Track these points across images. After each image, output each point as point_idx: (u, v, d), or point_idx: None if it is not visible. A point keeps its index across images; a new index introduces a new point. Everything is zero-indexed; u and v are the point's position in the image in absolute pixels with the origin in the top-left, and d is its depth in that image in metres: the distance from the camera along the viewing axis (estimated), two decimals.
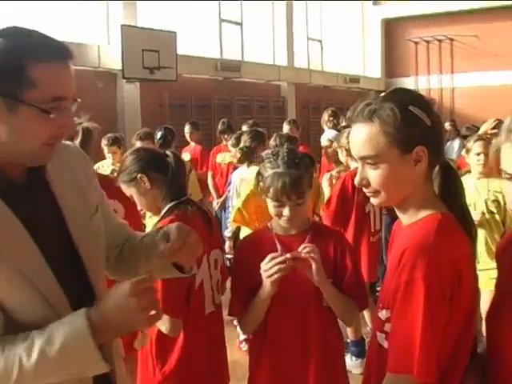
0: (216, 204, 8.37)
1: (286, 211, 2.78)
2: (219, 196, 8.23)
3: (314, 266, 2.62)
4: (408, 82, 22.13)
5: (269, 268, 2.61)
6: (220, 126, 9.33)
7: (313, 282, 2.68)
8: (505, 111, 6.61)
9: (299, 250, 2.67)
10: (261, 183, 2.86)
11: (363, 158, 1.86)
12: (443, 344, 1.72)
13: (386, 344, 1.84)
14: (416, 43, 22.09)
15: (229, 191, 6.73)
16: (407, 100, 1.84)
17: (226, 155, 8.32)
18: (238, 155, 6.40)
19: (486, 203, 4.86)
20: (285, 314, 2.79)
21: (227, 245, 5.93)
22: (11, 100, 1.55)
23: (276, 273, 2.61)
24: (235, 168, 6.89)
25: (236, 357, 4.85)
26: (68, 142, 2.01)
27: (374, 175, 1.83)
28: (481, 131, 6.65)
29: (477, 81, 20.37)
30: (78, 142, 3.86)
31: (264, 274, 2.63)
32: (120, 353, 2.04)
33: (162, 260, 1.89)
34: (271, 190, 2.77)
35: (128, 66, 11.44)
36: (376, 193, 1.86)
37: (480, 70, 20.47)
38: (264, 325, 2.81)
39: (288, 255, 2.63)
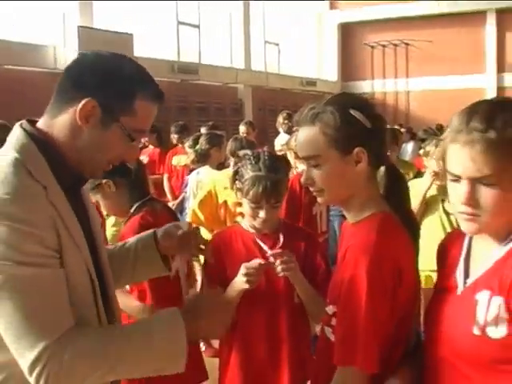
0: (172, 206, 8.37)
1: (262, 213, 2.82)
2: (175, 198, 8.22)
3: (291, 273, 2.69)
4: (364, 86, 22.41)
5: (252, 269, 2.64)
6: (173, 129, 9.34)
7: (284, 278, 2.73)
8: None
9: (273, 252, 2.73)
10: (238, 183, 2.90)
11: (306, 159, 1.94)
12: (385, 336, 1.79)
13: (332, 337, 1.91)
14: (372, 47, 22.38)
15: (185, 193, 6.75)
16: (348, 103, 1.90)
17: (181, 157, 8.32)
18: (192, 157, 6.43)
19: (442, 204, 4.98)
20: (255, 310, 2.81)
21: None
22: (109, 117, 1.73)
23: (258, 276, 2.65)
24: (191, 170, 6.93)
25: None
26: None
27: (317, 175, 1.91)
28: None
29: (431, 85, 20.74)
30: None
31: (244, 271, 2.65)
32: None
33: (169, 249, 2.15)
34: (251, 192, 2.80)
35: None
36: (320, 192, 1.94)
37: (434, 75, 20.84)
38: (234, 321, 2.83)
39: (271, 259, 2.70)
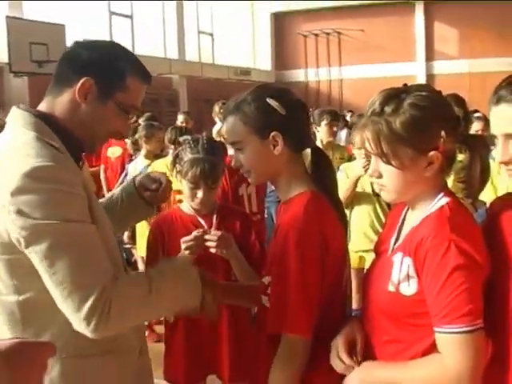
0: None
1: (199, 194, 3.00)
2: (109, 189, 8.21)
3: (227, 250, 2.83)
4: (298, 74, 22.61)
5: (190, 241, 2.77)
6: None
7: (221, 256, 2.85)
8: None
9: (212, 232, 2.85)
10: (178, 166, 3.06)
11: (232, 144, 2.19)
12: (317, 301, 1.98)
13: (268, 305, 2.09)
14: (305, 36, 22.56)
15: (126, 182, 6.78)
16: (265, 93, 2.11)
17: (115, 149, 8.33)
18: (130, 147, 6.48)
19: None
20: None
21: (126, 235, 6.04)
22: (104, 93, 1.93)
23: (197, 247, 2.78)
24: (130, 160, 7.02)
25: None
26: None
27: (243, 158, 2.14)
28: None
29: (363, 73, 21.06)
30: None
31: (183, 246, 2.77)
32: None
33: (152, 199, 2.42)
34: (189, 173, 2.98)
35: (15, 59, 11.16)
36: (248, 173, 2.16)
37: (366, 63, 21.17)
38: None
39: (212, 231, 2.85)
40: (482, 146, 1.92)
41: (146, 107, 13.53)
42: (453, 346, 1.70)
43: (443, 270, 1.70)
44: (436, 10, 21.11)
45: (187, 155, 3.04)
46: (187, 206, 3.14)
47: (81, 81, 1.90)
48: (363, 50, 21.36)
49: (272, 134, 2.06)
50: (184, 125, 8.34)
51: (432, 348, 1.77)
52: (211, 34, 20.54)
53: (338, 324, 2.04)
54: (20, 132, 1.87)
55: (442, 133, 1.80)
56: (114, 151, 8.42)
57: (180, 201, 3.72)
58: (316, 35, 22.41)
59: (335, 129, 6.90)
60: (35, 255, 1.73)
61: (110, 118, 1.98)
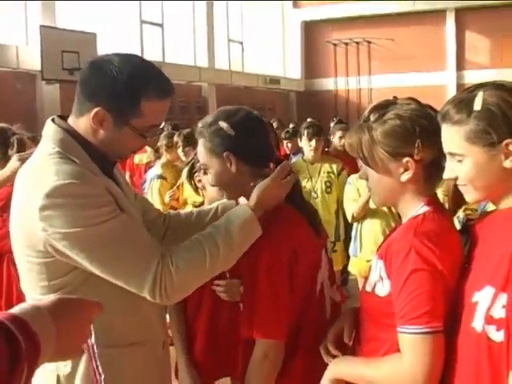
0: None
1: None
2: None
3: None
4: (327, 83, 22.61)
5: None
6: None
7: None
8: None
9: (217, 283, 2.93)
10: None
11: (203, 166, 2.43)
12: (289, 309, 2.20)
13: None
14: (335, 45, 22.55)
15: (143, 189, 6.85)
16: (220, 117, 2.33)
17: (143, 156, 8.41)
18: (151, 155, 6.60)
19: None
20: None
21: None
22: (120, 120, 1.96)
23: None
24: (150, 167, 7.11)
25: None
26: None
27: (210, 179, 2.40)
28: None
29: (393, 82, 20.93)
30: (14, 151, 4.29)
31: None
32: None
33: None
34: None
35: (47, 67, 11.34)
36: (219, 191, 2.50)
37: (396, 72, 21.09)
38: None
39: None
40: None
41: (175, 115, 13.70)
42: (408, 345, 1.78)
43: (403, 273, 1.80)
44: (467, 19, 20.98)
45: None
46: None
47: (94, 110, 1.93)
48: (393, 59, 21.30)
49: (224, 154, 2.26)
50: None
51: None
52: (241, 43, 20.62)
53: (315, 327, 2.25)
54: (48, 147, 1.97)
55: (418, 142, 1.90)
56: (141, 158, 8.51)
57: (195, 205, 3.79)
58: (346, 44, 22.40)
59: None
60: (81, 260, 1.89)
61: (128, 142, 2.03)
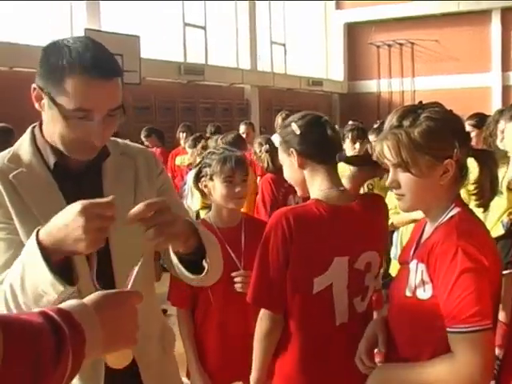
0: None
1: (237, 188, 3.06)
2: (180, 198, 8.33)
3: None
4: (370, 85, 22.49)
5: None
6: (179, 129, 9.50)
7: None
8: (464, 113, 6.82)
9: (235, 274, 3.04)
10: (204, 179, 3.14)
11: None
12: (282, 280, 2.40)
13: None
14: (378, 47, 22.42)
15: (184, 191, 6.85)
16: (292, 119, 2.59)
17: (185, 157, 8.43)
18: (195, 156, 6.61)
19: None
20: (230, 289, 3.02)
21: None
22: (50, 98, 1.82)
23: None
24: (190, 169, 7.11)
25: None
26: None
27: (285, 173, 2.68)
28: None
29: (437, 84, 20.74)
30: None
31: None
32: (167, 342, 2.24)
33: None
34: (225, 167, 3.06)
35: None
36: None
37: (440, 74, 20.88)
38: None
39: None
40: (490, 159, 2.10)
41: (217, 117, 13.77)
42: (462, 344, 1.84)
43: (452, 274, 1.85)
44: None
45: (214, 158, 3.10)
46: (213, 219, 3.16)
47: (31, 88, 1.87)
48: (437, 60, 21.10)
49: (290, 150, 2.54)
50: (245, 135, 8.36)
51: (448, 348, 1.89)
52: (284, 45, 20.62)
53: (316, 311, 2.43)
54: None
55: (456, 143, 1.97)
56: (182, 160, 8.54)
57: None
58: (389, 46, 22.25)
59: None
60: None
61: (57, 124, 1.83)
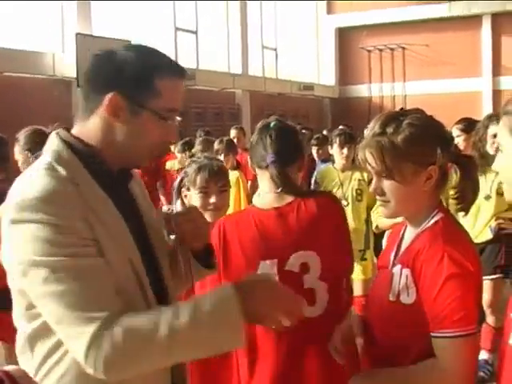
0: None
1: (212, 199, 3.02)
2: (168, 202, 8.32)
3: None
4: (361, 90, 22.53)
5: None
6: None
7: None
8: (454, 117, 6.85)
9: None
10: (184, 190, 3.14)
11: None
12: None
13: None
14: (369, 51, 22.46)
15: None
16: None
17: (175, 162, 8.44)
18: (184, 161, 6.63)
19: None
20: None
21: None
22: (136, 105, 1.78)
23: None
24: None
25: None
26: None
27: None
28: None
29: (428, 88, 20.81)
30: None
31: None
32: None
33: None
34: (198, 178, 3.03)
35: (83, 74, 11.36)
36: None
37: (431, 78, 20.93)
38: None
39: None
40: (471, 165, 2.14)
41: (209, 121, 13.78)
42: (447, 349, 1.87)
43: (438, 279, 1.89)
44: (504, 24, 20.70)
45: (192, 166, 3.07)
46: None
47: (106, 98, 1.76)
48: (428, 65, 21.16)
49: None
50: (235, 140, 8.41)
51: (430, 353, 1.92)
52: (275, 49, 20.64)
53: None
54: (42, 159, 1.81)
55: (438, 149, 2.00)
56: (172, 164, 8.55)
57: None
58: (380, 50, 22.30)
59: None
60: (29, 289, 1.68)
61: (150, 130, 1.81)
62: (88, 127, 1.83)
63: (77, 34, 11.57)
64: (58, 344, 1.70)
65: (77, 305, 1.61)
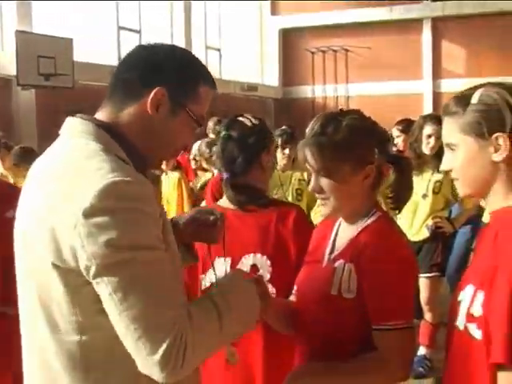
0: None
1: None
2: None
3: None
4: (305, 91, 22.67)
5: None
6: None
7: None
8: (396, 119, 6.96)
9: None
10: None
11: None
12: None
13: None
14: (313, 53, 22.60)
15: None
16: None
17: None
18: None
19: None
20: None
21: None
22: (178, 105, 1.79)
23: None
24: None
25: None
26: None
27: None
28: None
29: (370, 90, 21.06)
30: None
31: None
32: None
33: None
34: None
35: (23, 72, 11.21)
36: None
37: (373, 81, 21.19)
38: None
39: None
40: (407, 165, 2.23)
41: None
42: (388, 342, 1.94)
43: (381, 274, 1.96)
44: (444, 28, 21.11)
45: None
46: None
47: (153, 91, 1.74)
48: (370, 67, 21.39)
49: None
50: None
51: (372, 345, 1.99)
52: (219, 50, 20.63)
53: None
54: (81, 143, 1.70)
55: (376, 149, 2.08)
56: None
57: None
58: (323, 52, 22.46)
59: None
60: (105, 287, 1.52)
61: (182, 131, 1.83)
62: (122, 116, 1.79)
63: (16, 31, 11.36)
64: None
65: (156, 306, 1.54)
